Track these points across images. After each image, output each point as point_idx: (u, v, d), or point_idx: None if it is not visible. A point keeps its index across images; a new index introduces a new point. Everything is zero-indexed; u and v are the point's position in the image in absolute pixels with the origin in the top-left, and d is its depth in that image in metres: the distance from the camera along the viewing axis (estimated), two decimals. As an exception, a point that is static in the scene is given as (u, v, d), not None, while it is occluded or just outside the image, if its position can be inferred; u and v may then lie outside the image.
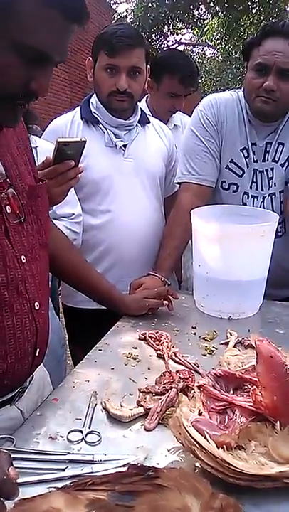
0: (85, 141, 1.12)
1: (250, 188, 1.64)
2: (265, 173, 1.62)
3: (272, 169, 1.62)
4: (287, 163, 1.59)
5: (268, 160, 1.62)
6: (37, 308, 0.89)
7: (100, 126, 1.69)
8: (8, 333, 0.84)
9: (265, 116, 1.56)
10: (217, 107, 1.64)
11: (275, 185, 1.62)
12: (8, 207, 0.83)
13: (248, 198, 1.65)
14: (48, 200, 0.99)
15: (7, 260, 0.82)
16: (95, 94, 1.71)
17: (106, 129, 1.68)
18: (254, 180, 1.64)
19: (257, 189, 1.64)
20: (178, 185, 1.77)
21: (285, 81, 1.45)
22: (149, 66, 1.69)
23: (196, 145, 1.65)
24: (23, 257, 0.86)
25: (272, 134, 1.61)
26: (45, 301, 0.94)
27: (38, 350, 0.92)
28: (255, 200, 1.64)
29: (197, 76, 2.29)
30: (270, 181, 1.62)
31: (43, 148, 1.52)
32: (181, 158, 1.71)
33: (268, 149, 1.61)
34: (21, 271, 0.85)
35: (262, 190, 1.63)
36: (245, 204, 1.65)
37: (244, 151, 1.62)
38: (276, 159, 1.61)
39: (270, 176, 1.62)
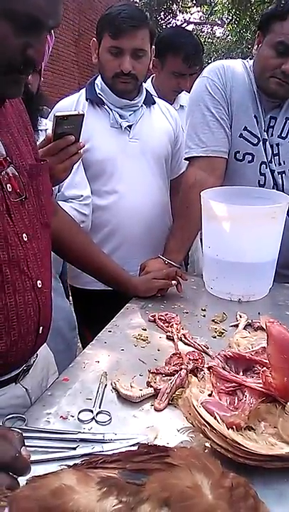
0: (83, 115, 1.11)
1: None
2: (270, 148, 1.55)
3: (277, 145, 1.54)
4: None
5: (272, 135, 1.54)
6: (39, 286, 0.90)
7: (105, 107, 1.68)
8: (11, 310, 0.84)
9: (274, 97, 1.50)
10: (224, 71, 1.54)
11: (284, 163, 1.56)
12: (8, 185, 0.83)
13: (266, 167, 1.55)
14: (49, 180, 0.99)
15: (8, 238, 0.83)
16: (100, 76, 1.69)
17: (111, 109, 1.67)
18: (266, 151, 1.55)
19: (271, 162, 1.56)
20: (183, 168, 1.74)
21: None
22: (153, 46, 1.66)
23: (203, 115, 1.54)
24: (24, 235, 0.86)
25: (277, 109, 1.54)
26: (47, 280, 0.94)
27: (41, 328, 0.92)
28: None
29: (202, 54, 2.22)
30: (276, 158, 1.56)
31: None
32: (188, 133, 1.61)
33: (271, 124, 1.54)
34: (23, 249, 0.86)
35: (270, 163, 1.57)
36: (264, 175, 1.56)
37: (256, 118, 1.53)
38: (283, 135, 1.53)
39: (275, 152, 1.55)
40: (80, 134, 1.13)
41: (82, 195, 1.58)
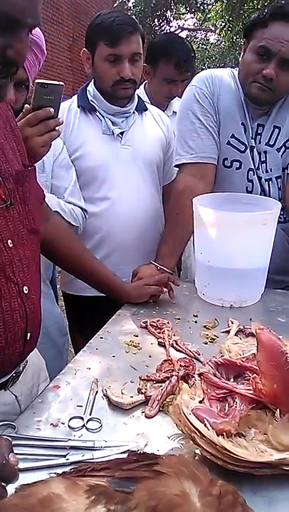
0: (62, 85, 1.11)
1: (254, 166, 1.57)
2: (258, 156, 1.57)
3: (264, 152, 1.56)
4: (284, 148, 1.55)
5: (260, 143, 1.56)
6: (26, 292, 0.90)
7: (97, 113, 1.68)
8: None
9: (257, 103, 1.52)
10: (212, 79, 1.57)
11: (271, 171, 1.57)
12: None
13: (253, 174, 1.57)
14: (37, 186, 0.99)
15: None
16: (92, 82, 1.70)
17: (103, 116, 1.67)
18: (253, 159, 1.57)
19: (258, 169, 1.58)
20: (176, 174, 1.75)
21: (286, 71, 1.41)
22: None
23: (192, 123, 1.56)
24: (9, 241, 0.86)
25: (264, 117, 1.55)
26: (35, 285, 0.94)
27: (29, 334, 0.92)
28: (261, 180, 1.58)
29: (194, 60, 2.23)
30: (263, 165, 1.57)
31: None
32: (178, 140, 1.63)
33: (259, 131, 1.55)
34: (8, 255, 0.85)
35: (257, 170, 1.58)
36: (251, 181, 1.58)
37: (243, 126, 1.55)
38: (270, 143, 1.55)
39: (262, 160, 1.57)
40: (59, 108, 1.13)
41: (80, 207, 1.59)
